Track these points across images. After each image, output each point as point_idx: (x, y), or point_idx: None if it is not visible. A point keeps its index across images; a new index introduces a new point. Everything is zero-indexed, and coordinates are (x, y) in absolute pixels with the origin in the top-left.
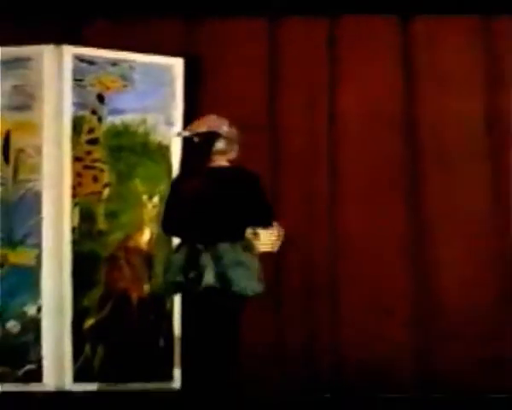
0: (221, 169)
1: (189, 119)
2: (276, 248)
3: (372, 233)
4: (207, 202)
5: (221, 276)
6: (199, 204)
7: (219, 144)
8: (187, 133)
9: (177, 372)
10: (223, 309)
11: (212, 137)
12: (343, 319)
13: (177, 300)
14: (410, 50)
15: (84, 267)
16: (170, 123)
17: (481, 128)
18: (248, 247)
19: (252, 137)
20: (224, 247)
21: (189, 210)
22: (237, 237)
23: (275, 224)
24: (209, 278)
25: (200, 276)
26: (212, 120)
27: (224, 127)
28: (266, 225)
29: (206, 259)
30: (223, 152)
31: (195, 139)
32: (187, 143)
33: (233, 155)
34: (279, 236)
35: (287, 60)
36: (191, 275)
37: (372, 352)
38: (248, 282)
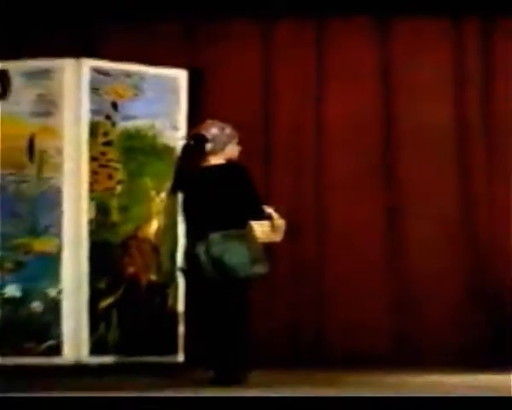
0: (211, 167)
1: (192, 123)
2: (278, 239)
3: (354, 222)
4: (199, 198)
5: (216, 263)
6: (192, 200)
7: (208, 146)
8: (182, 137)
9: (180, 347)
10: (223, 294)
11: (200, 139)
12: (327, 305)
13: (181, 283)
14: (390, 51)
15: (100, 254)
16: (175, 127)
17: (452, 126)
18: (246, 236)
19: (248, 136)
20: (217, 236)
21: (186, 205)
22: (230, 226)
23: (274, 216)
24: (205, 265)
25: (199, 264)
26: (207, 125)
27: (213, 130)
28: (255, 214)
29: (201, 248)
30: (212, 153)
31: (191, 142)
32: (185, 145)
33: (229, 154)
34: (275, 227)
35: (280, 64)
36: (191, 263)
37: (355, 336)
38: (241, 266)
